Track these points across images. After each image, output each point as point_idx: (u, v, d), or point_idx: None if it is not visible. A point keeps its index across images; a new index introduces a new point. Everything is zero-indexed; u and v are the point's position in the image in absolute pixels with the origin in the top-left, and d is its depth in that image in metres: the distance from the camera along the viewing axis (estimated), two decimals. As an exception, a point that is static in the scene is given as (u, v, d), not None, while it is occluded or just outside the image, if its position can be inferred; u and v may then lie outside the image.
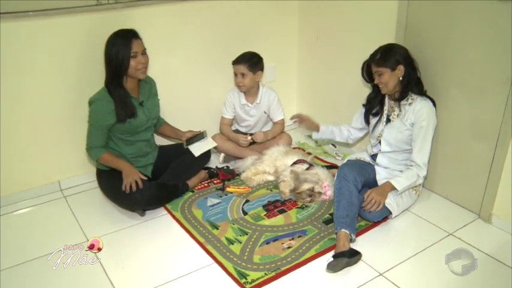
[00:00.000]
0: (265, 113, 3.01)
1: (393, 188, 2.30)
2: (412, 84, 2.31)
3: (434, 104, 2.34)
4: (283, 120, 3.06)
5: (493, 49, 2.16)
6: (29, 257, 2.16)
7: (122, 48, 2.28)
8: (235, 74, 2.87)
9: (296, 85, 3.55)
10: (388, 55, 2.27)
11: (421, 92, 2.33)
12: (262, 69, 2.90)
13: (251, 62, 2.83)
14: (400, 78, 2.29)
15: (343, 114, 3.18)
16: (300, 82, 3.52)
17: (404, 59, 2.28)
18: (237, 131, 3.07)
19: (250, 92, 2.94)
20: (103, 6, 2.50)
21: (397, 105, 2.36)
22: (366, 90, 2.56)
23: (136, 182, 2.34)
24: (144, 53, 2.36)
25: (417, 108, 2.29)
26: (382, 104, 2.45)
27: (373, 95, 2.48)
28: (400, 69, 2.27)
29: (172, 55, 2.85)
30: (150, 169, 2.58)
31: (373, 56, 2.33)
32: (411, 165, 2.35)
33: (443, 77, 2.39)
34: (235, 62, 2.85)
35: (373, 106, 2.48)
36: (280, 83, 3.37)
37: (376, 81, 2.33)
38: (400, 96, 2.33)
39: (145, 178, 2.43)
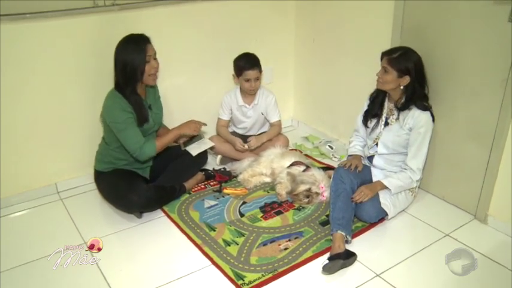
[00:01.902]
0: (262, 114, 3.01)
1: (384, 187, 2.31)
2: (416, 98, 2.28)
3: (433, 116, 2.31)
4: (279, 121, 3.07)
5: (489, 51, 2.17)
6: (26, 260, 2.15)
7: (136, 54, 2.24)
8: (248, 80, 2.83)
9: (293, 86, 3.56)
10: (404, 60, 2.22)
11: (425, 108, 2.27)
12: None
13: (260, 64, 2.86)
14: (401, 88, 2.28)
15: (341, 115, 3.20)
16: (297, 83, 3.53)
17: (415, 72, 2.24)
18: (234, 133, 3.07)
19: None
20: (100, 8, 2.50)
21: (396, 109, 2.36)
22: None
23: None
24: (155, 57, 2.34)
25: (416, 114, 2.27)
26: (381, 106, 2.44)
27: (375, 94, 2.46)
28: (406, 79, 2.25)
29: (169, 57, 2.85)
30: (148, 171, 2.58)
31: (391, 51, 2.28)
32: (405, 169, 2.36)
33: (439, 78, 2.40)
34: (250, 68, 2.80)
35: (374, 107, 2.47)
36: (277, 85, 3.38)
37: (377, 74, 2.31)
38: (403, 106, 2.31)
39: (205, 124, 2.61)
